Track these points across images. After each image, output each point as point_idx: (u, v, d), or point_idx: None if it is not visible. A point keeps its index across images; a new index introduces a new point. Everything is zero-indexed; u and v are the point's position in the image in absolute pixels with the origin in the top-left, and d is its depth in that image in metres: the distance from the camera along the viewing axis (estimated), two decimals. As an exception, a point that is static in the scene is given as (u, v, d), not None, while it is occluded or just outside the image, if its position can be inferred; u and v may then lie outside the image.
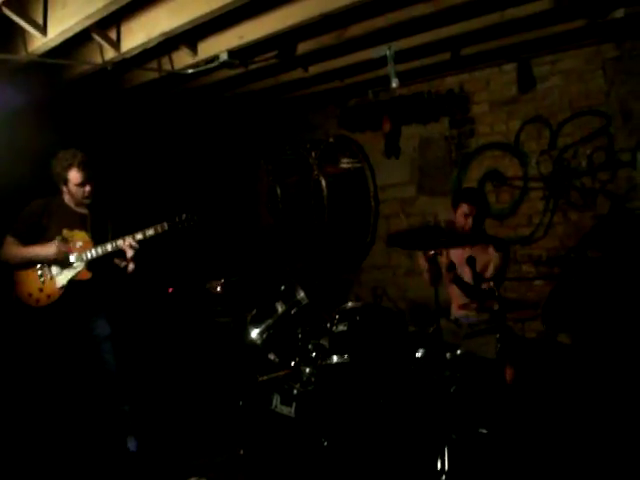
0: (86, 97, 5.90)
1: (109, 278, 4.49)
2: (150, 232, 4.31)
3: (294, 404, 3.82)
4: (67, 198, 4.38)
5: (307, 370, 4.00)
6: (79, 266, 4.29)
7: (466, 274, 4.40)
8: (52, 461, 4.22)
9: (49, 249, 4.20)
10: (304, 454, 3.64)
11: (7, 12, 3.98)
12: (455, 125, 6.36)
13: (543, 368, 4.82)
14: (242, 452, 3.91)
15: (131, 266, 4.41)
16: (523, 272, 5.75)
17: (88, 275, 4.32)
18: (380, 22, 4.55)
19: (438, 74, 6.29)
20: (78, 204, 4.39)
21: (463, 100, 6.27)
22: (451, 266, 4.38)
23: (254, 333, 4.34)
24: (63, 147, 4.33)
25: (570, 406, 4.41)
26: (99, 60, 4.78)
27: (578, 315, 5.33)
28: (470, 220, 4.47)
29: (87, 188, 4.30)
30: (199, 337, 5.97)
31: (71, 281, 4.29)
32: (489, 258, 4.50)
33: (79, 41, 4.62)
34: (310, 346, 4.16)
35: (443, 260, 4.49)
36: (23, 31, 4.39)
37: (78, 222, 4.37)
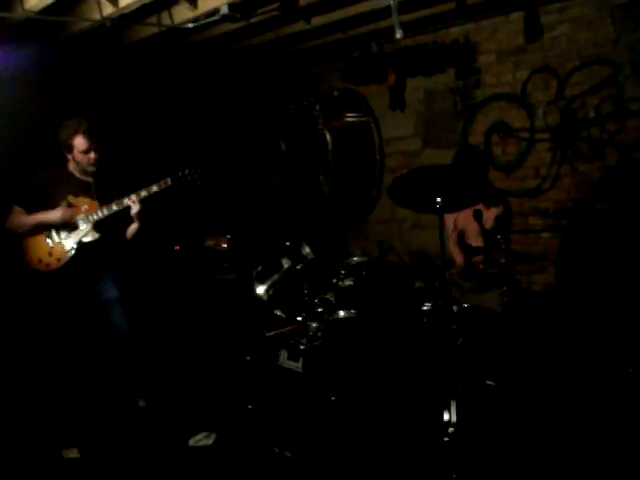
0: (85, 55, 5.81)
1: (116, 239, 4.50)
2: (154, 188, 4.32)
3: (301, 359, 3.84)
4: (72, 166, 4.36)
5: (314, 325, 4.01)
6: (86, 228, 4.29)
7: (472, 229, 4.39)
8: (63, 421, 4.30)
9: (55, 213, 4.20)
10: (312, 409, 3.67)
11: (1, -32, 3.91)
12: (461, 76, 6.27)
13: (550, 321, 4.84)
14: (250, 407, 3.95)
15: (134, 225, 4.43)
16: (530, 224, 5.72)
17: (96, 236, 4.32)
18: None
19: (443, 24, 6.16)
20: (83, 172, 4.36)
21: (469, 50, 6.16)
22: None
23: (260, 289, 4.35)
24: (62, 109, 4.30)
25: (576, 359, 4.43)
26: (98, 16, 4.70)
27: (586, 267, 5.31)
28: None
29: (92, 155, 4.28)
30: (206, 294, 5.99)
31: (79, 243, 4.30)
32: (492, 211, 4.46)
33: (77, -4, 4.55)
34: (316, 301, 4.17)
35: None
36: (19, -13, 4.32)
37: (82, 189, 4.36)
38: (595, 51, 5.39)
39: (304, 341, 3.94)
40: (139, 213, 4.35)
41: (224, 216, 6.82)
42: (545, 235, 5.66)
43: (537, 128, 5.79)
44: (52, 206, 4.24)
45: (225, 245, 6.07)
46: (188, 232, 6.44)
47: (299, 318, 4.21)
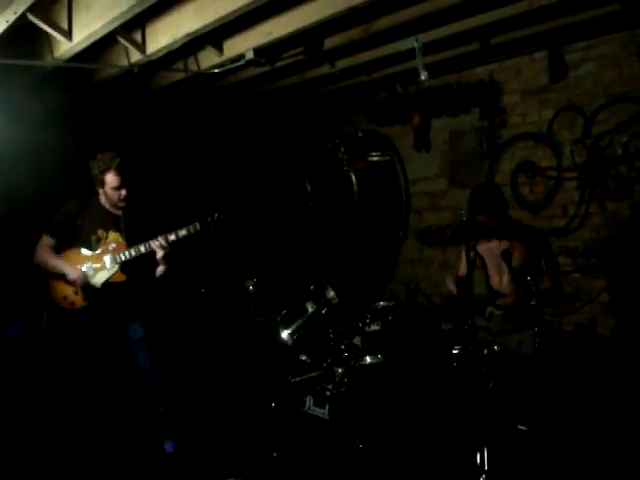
0: (113, 100, 5.92)
1: (143, 280, 4.51)
2: (183, 232, 4.34)
3: (327, 405, 3.77)
4: (103, 199, 4.40)
5: (340, 371, 3.94)
6: (113, 268, 4.31)
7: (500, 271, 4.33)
8: (91, 462, 4.25)
9: (73, 273, 4.22)
10: (339, 456, 3.60)
11: (32, 18, 4.00)
12: (486, 116, 6.26)
13: (583, 361, 4.73)
14: (275, 454, 3.88)
15: (161, 268, 4.44)
16: (560, 264, 5.63)
17: (122, 277, 4.35)
18: (407, 14, 4.50)
19: (467, 64, 6.19)
20: (113, 206, 4.41)
21: (494, 90, 6.16)
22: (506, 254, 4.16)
23: (284, 334, 4.29)
24: (91, 150, 4.34)
25: (611, 400, 4.32)
26: (125, 63, 4.78)
27: (619, 306, 5.21)
28: (491, 223, 4.34)
29: (123, 192, 4.32)
30: (232, 337, 5.96)
31: (105, 283, 4.32)
32: (527, 254, 4.35)
33: (104, 44, 4.65)
34: (342, 346, 4.11)
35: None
36: (49, 37, 4.42)
37: (112, 223, 4.40)
38: (622, 88, 5.36)
39: (330, 387, 3.87)
40: (165, 256, 4.36)
41: (252, 258, 6.83)
42: (575, 275, 5.56)
43: (564, 167, 5.74)
44: (82, 238, 4.30)
45: (252, 287, 6.05)
46: (216, 274, 6.44)
47: (325, 364, 4.15)
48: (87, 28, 4.16)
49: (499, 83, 6.14)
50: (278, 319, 4.40)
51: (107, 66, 4.95)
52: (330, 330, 4.25)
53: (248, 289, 5.97)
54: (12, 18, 3.90)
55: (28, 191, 5.41)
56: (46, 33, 4.30)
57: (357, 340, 4.08)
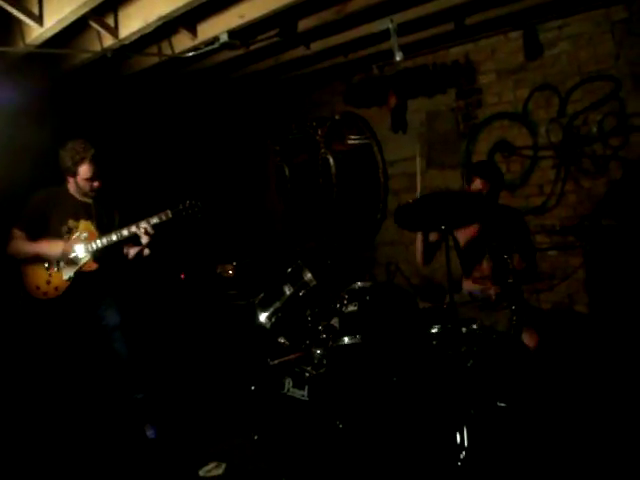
0: (86, 86, 5.84)
1: (116, 267, 4.49)
2: (154, 220, 4.27)
3: (307, 387, 3.76)
4: (72, 189, 4.35)
5: (318, 352, 3.93)
6: (85, 257, 4.27)
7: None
8: (70, 452, 4.25)
9: (56, 248, 4.19)
10: (319, 437, 3.62)
11: (1, 3, 3.94)
12: (462, 96, 6.28)
13: (560, 339, 4.79)
14: (256, 437, 3.89)
15: (146, 251, 4.41)
16: (537, 242, 5.68)
17: (94, 266, 4.31)
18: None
19: (443, 45, 6.19)
20: (84, 195, 4.36)
21: (469, 70, 6.18)
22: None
23: (262, 317, 4.27)
24: (64, 138, 4.28)
25: (589, 377, 4.38)
26: (98, 48, 4.72)
27: (594, 284, 5.27)
28: (485, 188, 4.38)
29: (96, 183, 4.29)
30: (210, 322, 5.96)
31: (78, 272, 4.28)
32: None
33: (77, 30, 4.58)
34: (320, 328, 4.11)
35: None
36: (19, 22, 4.35)
37: (82, 212, 4.35)
38: (596, 67, 5.40)
39: (309, 369, 3.86)
40: (148, 242, 4.29)
41: (231, 243, 6.81)
42: (552, 253, 5.61)
43: (540, 146, 5.78)
44: (52, 230, 4.24)
45: (231, 272, 6.04)
46: (194, 260, 6.42)
47: (303, 345, 4.15)
48: (58, 13, 4.09)
49: (474, 63, 6.15)
50: (256, 302, 4.39)
51: (80, 51, 4.89)
52: (308, 312, 4.24)
53: (227, 273, 5.96)
54: (-19, 4, 3.85)
55: (1, 182, 5.31)
56: (17, 18, 4.23)
57: (335, 321, 4.08)
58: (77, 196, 4.37)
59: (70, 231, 4.28)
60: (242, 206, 7.60)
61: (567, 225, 5.56)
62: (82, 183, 4.27)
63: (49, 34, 4.32)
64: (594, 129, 5.44)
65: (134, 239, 4.31)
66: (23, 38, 4.46)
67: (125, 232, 4.24)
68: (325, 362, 3.87)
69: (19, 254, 4.25)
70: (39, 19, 4.20)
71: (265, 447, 3.85)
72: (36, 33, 4.32)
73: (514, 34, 5.83)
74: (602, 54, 5.37)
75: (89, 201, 4.39)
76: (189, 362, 5.70)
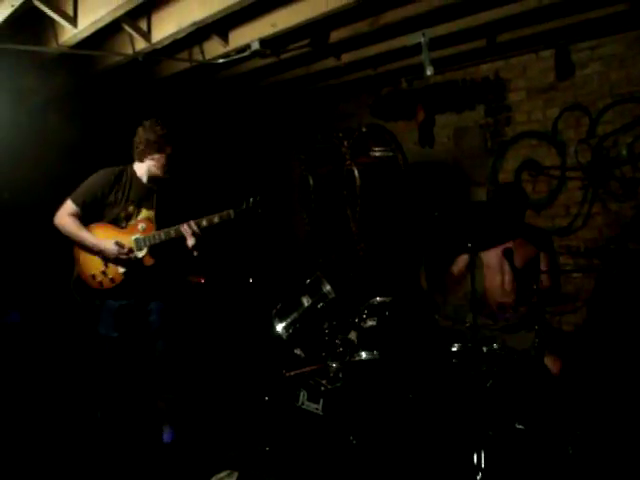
0: (117, 88, 5.89)
1: (170, 265, 4.29)
2: (216, 219, 4.09)
3: (321, 401, 3.72)
4: (142, 170, 4.16)
5: (334, 366, 3.88)
6: (142, 251, 4.07)
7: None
8: (87, 449, 4.25)
9: (110, 248, 3.96)
10: (332, 452, 3.58)
11: (37, 3, 3.98)
12: (491, 113, 6.24)
13: (582, 361, 4.72)
14: (268, 449, 3.85)
15: (195, 253, 4.16)
16: (561, 264, 5.61)
17: (151, 261, 4.11)
18: (415, 8, 4.48)
19: (473, 61, 6.17)
20: (151, 178, 4.17)
21: (499, 87, 6.14)
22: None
23: (279, 327, 4.20)
24: (94, 139, 4.28)
25: (610, 400, 4.31)
26: (130, 51, 4.76)
27: (618, 308, 5.20)
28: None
29: (171, 163, 4.15)
30: (230, 330, 5.94)
31: (134, 266, 4.08)
32: (530, 253, 4.32)
33: (110, 32, 4.62)
34: (338, 341, 4.04)
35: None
36: (53, 22, 4.40)
37: (145, 198, 4.14)
38: (628, 89, 5.35)
39: (324, 382, 3.82)
40: (195, 243, 4.08)
41: (255, 250, 6.80)
42: (576, 275, 5.55)
43: (568, 166, 5.73)
44: (108, 213, 4.05)
45: (250, 280, 6.03)
46: (214, 265, 6.41)
47: (319, 358, 4.09)
48: (92, 15, 4.14)
49: (504, 80, 6.11)
50: (273, 312, 4.33)
51: (112, 54, 4.93)
52: (326, 324, 4.18)
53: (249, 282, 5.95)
54: (17, 2, 3.88)
55: (29, 177, 5.36)
56: (51, 19, 4.27)
57: (353, 335, 4.03)
58: (144, 180, 4.17)
59: (129, 218, 4.09)
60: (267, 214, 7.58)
61: (592, 247, 5.50)
62: (161, 161, 4.09)
63: (82, 35, 4.37)
64: (624, 151, 5.38)
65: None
66: (56, 38, 4.51)
67: (184, 228, 4.03)
68: (341, 376, 3.84)
69: (64, 229, 3.99)
70: (73, 20, 4.24)
71: (277, 459, 3.82)
72: (69, 34, 4.36)
73: (545, 53, 5.79)
74: (634, 76, 5.32)
75: (154, 187, 4.20)
76: (207, 369, 5.68)
